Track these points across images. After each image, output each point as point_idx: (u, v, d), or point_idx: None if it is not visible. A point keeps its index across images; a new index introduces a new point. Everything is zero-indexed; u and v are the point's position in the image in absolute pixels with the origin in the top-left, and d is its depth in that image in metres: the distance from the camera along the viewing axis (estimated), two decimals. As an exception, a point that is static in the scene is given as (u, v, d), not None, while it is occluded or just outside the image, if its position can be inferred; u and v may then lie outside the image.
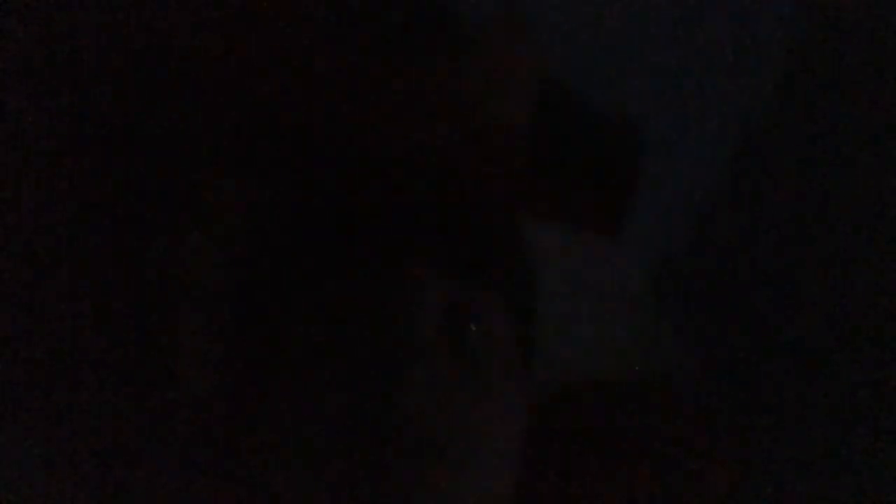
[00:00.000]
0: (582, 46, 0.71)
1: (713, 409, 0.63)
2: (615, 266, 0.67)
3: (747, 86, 0.83)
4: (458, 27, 0.62)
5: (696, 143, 0.88)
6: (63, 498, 0.49)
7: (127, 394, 0.52)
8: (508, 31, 0.63)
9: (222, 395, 0.52)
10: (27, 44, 0.58)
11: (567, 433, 0.58)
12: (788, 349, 0.75)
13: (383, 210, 0.53)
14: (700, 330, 0.69)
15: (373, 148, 0.56)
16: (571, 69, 0.70)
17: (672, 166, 0.84)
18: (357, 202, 0.53)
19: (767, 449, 0.69)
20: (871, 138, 0.77)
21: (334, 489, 0.49)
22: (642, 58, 0.75)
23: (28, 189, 0.56)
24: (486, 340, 0.52)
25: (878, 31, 0.78)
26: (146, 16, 0.60)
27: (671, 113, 0.82)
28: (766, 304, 0.79)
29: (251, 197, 0.55)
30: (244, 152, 0.55)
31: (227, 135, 0.56)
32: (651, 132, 0.73)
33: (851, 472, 0.67)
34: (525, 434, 0.53)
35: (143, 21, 0.60)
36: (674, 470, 0.59)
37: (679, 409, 0.62)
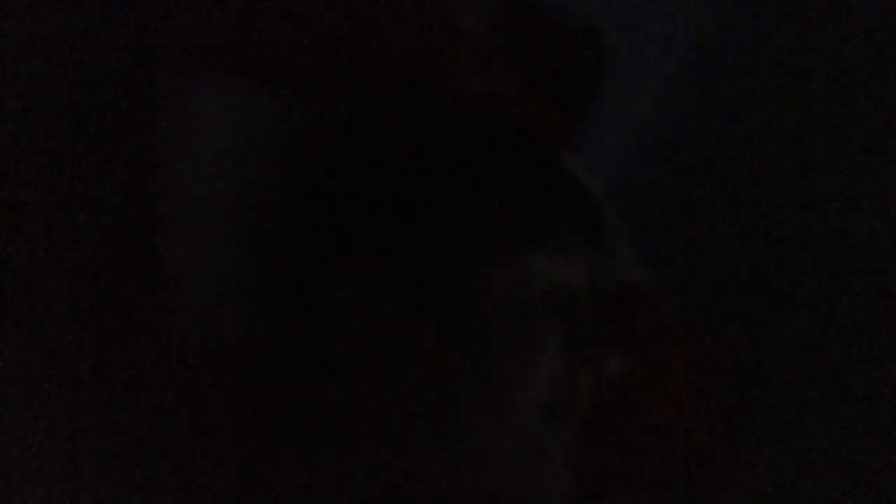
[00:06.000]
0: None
1: (712, 408, 0.63)
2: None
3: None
4: None
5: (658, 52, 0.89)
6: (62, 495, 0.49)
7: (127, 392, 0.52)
8: None
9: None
10: (27, 44, 0.58)
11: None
12: (788, 349, 0.75)
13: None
14: (699, 329, 0.69)
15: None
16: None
17: (633, 76, 0.85)
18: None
19: (767, 449, 0.69)
20: (871, 138, 0.77)
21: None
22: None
23: (28, 189, 0.56)
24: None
25: (878, 32, 0.78)
26: (146, 15, 0.60)
27: (637, 21, 0.83)
28: (766, 304, 0.79)
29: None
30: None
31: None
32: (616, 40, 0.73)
33: (851, 472, 0.67)
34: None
35: (144, 20, 0.60)
36: (674, 470, 0.59)
37: (679, 409, 0.62)
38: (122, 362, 0.52)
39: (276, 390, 0.52)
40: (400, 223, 0.50)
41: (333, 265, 0.51)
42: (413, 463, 0.49)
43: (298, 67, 0.59)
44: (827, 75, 0.81)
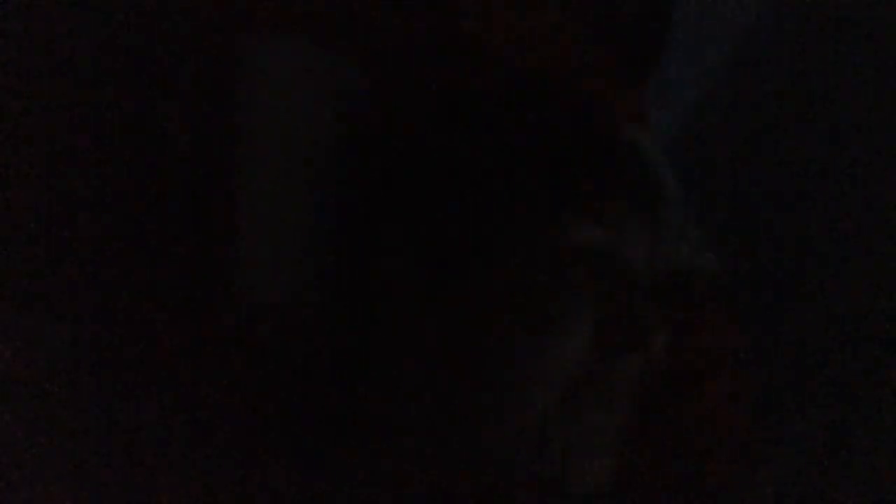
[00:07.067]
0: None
1: (757, 403, 0.63)
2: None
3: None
4: None
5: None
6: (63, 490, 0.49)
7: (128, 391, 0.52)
8: None
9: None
10: (27, 44, 0.58)
11: None
12: (788, 349, 0.75)
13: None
14: (755, 321, 0.69)
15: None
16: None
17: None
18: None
19: (767, 449, 0.69)
20: (871, 138, 0.77)
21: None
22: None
23: (28, 189, 0.56)
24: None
25: (879, 31, 0.78)
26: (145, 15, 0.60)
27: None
28: (766, 304, 0.79)
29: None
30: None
31: None
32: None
33: (851, 472, 0.67)
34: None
35: (142, 20, 0.60)
36: (674, 470, 0.59)
37: (728, 402, 0.62)
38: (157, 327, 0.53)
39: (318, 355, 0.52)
40: (453, 186, 0.50)
41: (385, 227, 0.51)
42: (447, 429, 0.48)
43: (364, 32, 0.60)
44: None
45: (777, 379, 0.73)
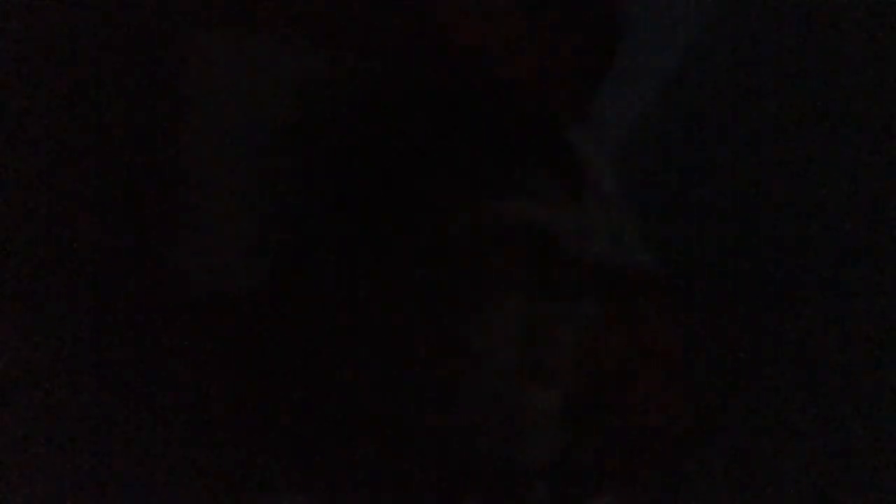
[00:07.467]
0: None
1: (712, 409, 0.63)
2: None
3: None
4: None
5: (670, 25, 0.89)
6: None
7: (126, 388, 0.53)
8: None
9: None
10: (27, 44, 0.59)
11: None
12: (788, 349, 0.75)
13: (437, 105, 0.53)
14: (699, 329, 0.70)
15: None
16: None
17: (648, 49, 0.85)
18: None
19: (768, 449, 0.69)
20: (871, 138, 0.77)
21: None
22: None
23: (28, 188, 0.57)
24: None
25: (878, 31, 0.78)
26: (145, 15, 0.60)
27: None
28: (767, 304, 0.79)
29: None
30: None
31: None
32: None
33: (851, 472, 0.67)
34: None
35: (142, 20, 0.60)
36: (672, 470, 0.59)
37: (668, 391, 0.62)
38: (127, 309, 0.53)
39: (277, 335, 0.53)
40: (395, 173, 0.51)
41: (338, 216, 0.52)
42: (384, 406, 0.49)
43: (317, 20, 0.61)
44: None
45: (777, 379, 0.73)
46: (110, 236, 0.56)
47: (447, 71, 0.55)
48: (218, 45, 0.61)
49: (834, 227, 0.77)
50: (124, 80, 0.59)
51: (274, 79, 0.59)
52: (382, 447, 0.49)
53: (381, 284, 0.49)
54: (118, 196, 0.57)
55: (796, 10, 0.84)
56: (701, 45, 0.92)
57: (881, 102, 0.76)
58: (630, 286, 0.62)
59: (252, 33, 0.62)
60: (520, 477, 0.50)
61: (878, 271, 0.72)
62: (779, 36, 0.86)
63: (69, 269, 0.55)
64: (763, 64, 0.86)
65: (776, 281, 0.78)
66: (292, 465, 0.50)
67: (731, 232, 0.83)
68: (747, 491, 0.66)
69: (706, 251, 0.83)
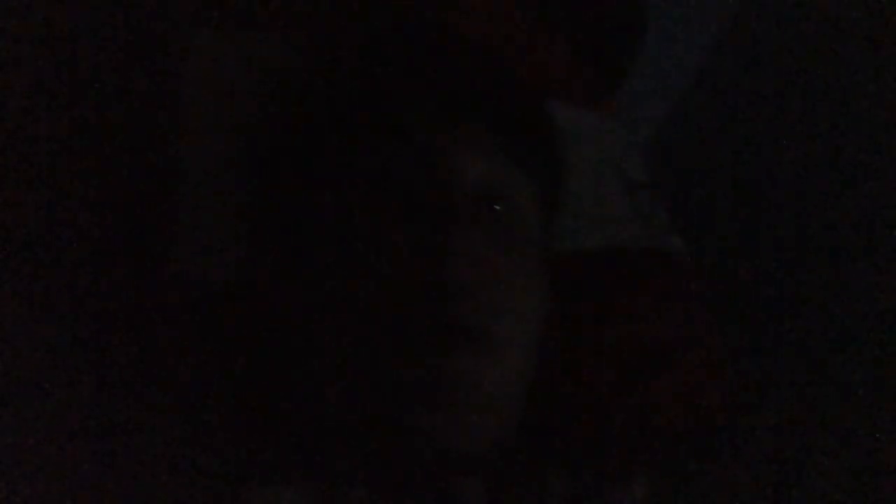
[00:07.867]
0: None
1: (713, 408, 0.63)
2: (615, 144, 0.68)
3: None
4: None
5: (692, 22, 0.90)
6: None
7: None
8: None
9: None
10: (27, 44, 0.59)
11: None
12: (788, 349, 0.75)
13: (417, 88, 0.53)
14: (721, 299, 0.69)
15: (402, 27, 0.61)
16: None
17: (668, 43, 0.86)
18: (388, 76, 0.55)
19: (768, 449, 0.69)
20: (871, 138, 0.77)
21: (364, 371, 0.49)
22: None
23: (27, 188, 0.57)
24: (512, 216, 0.53)
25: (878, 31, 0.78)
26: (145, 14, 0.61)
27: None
28: (766, 304, 0.79)
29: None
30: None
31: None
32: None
33: (851, 472, 0.67)
34: (545, 311, 0.53)
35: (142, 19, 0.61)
36: (672, 469, 0.59)
37: (692, 373, 0.62)
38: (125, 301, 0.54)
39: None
40: (395, 173, 0.51)
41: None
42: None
43: (302, 15, 0.63)
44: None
45: (777, 379, 0.73)
46: (109, 235, 0.56)
47: (447, 70, 0.55)
48: (216, 44, 0.61)
49: (847, 219, 0.77)
50: (124, 80, 0.59)
51: (270, 77, 0.60)
52: (379, 441, 0.49)
53: (381, 284, 0.49)
54: (116, 194, 0.57)
55: (821, 5, 0.84)
56: (727, 40, 0.91)
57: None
58: (653, 268, 0.63)
59: (252, 33, 0.62)
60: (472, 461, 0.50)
61: None
62: (803, 32, 0.86)
63: (69, 269, 0.55)
64: (785, 59, 0.86)
65: (804, 271, 0.78)
66: (290, 459, 0.50)
67: (755, 218, 0.83)
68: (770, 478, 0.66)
69: (730, 236, 0.83)
